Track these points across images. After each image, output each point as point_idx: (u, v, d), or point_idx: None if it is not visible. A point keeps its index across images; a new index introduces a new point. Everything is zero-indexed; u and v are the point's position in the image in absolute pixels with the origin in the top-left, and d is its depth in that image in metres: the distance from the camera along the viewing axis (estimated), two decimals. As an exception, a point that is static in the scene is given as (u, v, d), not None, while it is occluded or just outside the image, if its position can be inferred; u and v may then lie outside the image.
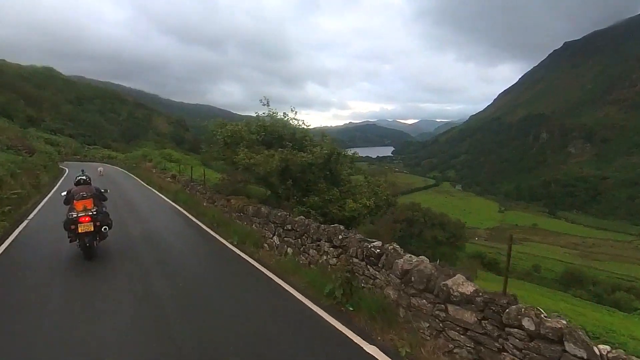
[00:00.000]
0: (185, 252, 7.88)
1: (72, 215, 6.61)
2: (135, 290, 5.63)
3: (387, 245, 5.20)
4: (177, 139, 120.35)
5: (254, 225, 8.69)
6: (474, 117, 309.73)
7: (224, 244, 8.54)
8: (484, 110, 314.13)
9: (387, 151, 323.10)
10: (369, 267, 5.23)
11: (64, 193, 7.31)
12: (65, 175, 25.54)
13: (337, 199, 9.58)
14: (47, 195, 15.43)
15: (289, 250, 7.26)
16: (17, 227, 9.42)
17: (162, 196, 15.57)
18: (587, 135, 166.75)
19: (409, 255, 4.91)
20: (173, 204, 13.70)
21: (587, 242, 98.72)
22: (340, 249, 5.83)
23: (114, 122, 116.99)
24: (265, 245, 8.08)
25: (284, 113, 11.57)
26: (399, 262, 4.70)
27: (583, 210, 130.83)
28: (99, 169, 24.72)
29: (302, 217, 7.26)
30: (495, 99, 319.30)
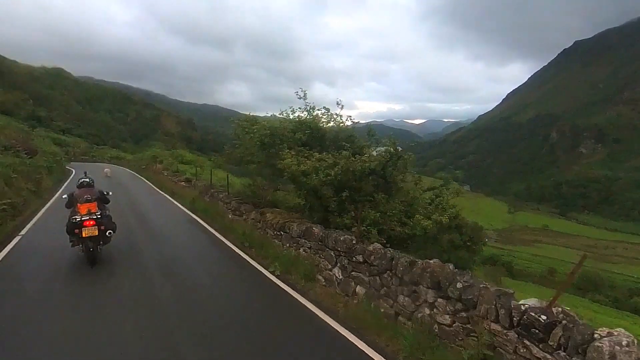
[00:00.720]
0: (213, 286, 6.01)
1: (75, 218, 6.37)
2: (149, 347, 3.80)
3: (556, 309, 3.25)
4: (185, 139, 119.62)
5: (301, 250, 6.77)
6: (483, 117, 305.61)
7: (263, 274, 6.65)
8: (493, 110, 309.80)
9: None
10: (526, 341, 3.28)
11: (65, 196, 7.10)
12: (71, 177, 23.96)
13: (397, 213, 7.62)
14: (48, 202, 13.70)
15: (360, 290, 5.35)
16: (4, 247, 7.61)
17: (177, 203, 13.76)
18: (599, 135, 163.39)
19: (608, 330, 2.96)
20: (190, 213, 11.86)
21: (600, 244, 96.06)
22: (460, 303, 3.90)
23: (122, 122, 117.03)
24: (320, 278, 6.17)
25: (324, 108, 9.63)
26: (601, 345, 2.75)
27: (595, 212, 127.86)
28: (105, 170, 23.17)
29: (377, 245, 5.33)
30: (504, 99, 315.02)
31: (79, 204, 6.57)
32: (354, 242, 5.64)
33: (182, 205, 13.25)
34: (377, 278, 5.06)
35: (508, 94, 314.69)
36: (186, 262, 7.14)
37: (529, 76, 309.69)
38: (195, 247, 8.40)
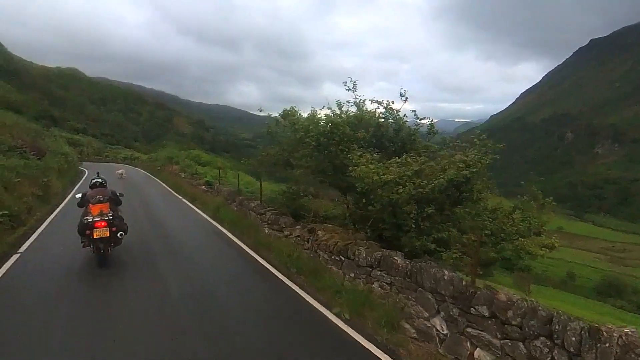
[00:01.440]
0: (262, 336, 4.39)
1: (87, 219, 6.35)
2: None
3: None
4: (197, 139, 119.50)
5: (375, 285, 5.12)
6: (495, 117, 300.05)
7: (324, 316, 5.00)
8: (505, 109, 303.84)
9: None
10: None
11: (79, 195, 7.07)
12: (83, 178, 22.78)
13: (490, 234, 5.90)
14: (56, 208, 12.35)
15: (482, 355, 3.67)
16: (-4, 271, 6.14)
17: (199, 211, 12.23)
18: (616, 135, 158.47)
19: None
20: (216, 224, 10.29)
21: (618, 246, 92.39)
22: None
23: (135, 123, 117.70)
24: (407, 326, 4.51)
25: (376, 101, 7.94)
26: None
27: (611, 214, 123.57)
28: (119, 171, 21.96)
29: (514, 295, 3.65)
30: (517, 98, 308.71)
31: (91, 205, 6.51)
32: (465, 284, 3.96)
33: (205, 213, 11.71)
34: (521, 345, 3.38)
35: (521, 93, 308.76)
36: (218, 293, 5.57)
37: (543, 75, 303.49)
38: (227, 269, 6.81)
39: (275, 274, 6.54)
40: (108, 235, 6.30)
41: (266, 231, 8.27)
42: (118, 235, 6.52)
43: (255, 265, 7.01)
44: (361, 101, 8.07)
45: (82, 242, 6.53)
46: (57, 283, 5.78)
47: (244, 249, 7.98)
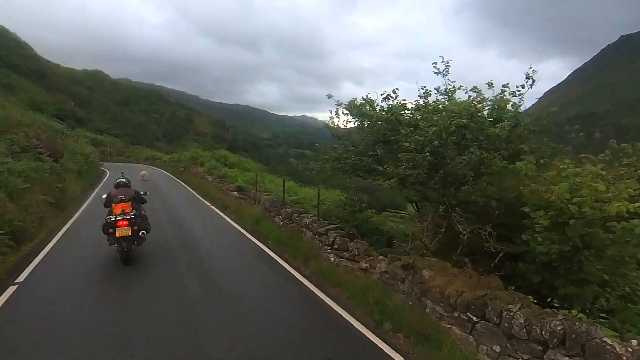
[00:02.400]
0: None
1: (110, 218, 6.45)
2: None
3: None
4: (217, 138, 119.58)
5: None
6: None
7: None
8: (529, 109, 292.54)
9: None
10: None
11: (104, 196, 7.11)
12: (104, 179, 21.56)
13: None
14: (72, 216, 10.82)
15: None
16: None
17: (232, 222, 10.40)
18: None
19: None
20: (257, 242, 8.35)
21: None
22: None
23: (157, 123, 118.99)
24: None
25: (475, 88, 5.90)
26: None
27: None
28: (141, 172, 20.66)
29: None
30: (540, 97, 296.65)
31: (113, 204, 6.63)
32: None
33: (240, 226, 9.86)
34: None
35: (545, 92, 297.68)
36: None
37: (569, 73, 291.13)
38: (286, 317, 4.84)
39: (359, 329, 4.54)
40: (130, 233, 6.38)
41: (331, 259, 6.29)
42: (140, 234, 6.58)
43: (327, 313, 5.03)
44: (452, 89, 6.06)
45: (108, 241, 6.61)
46: (61, 334, 4.05)
47: (304, 283, 6.00)
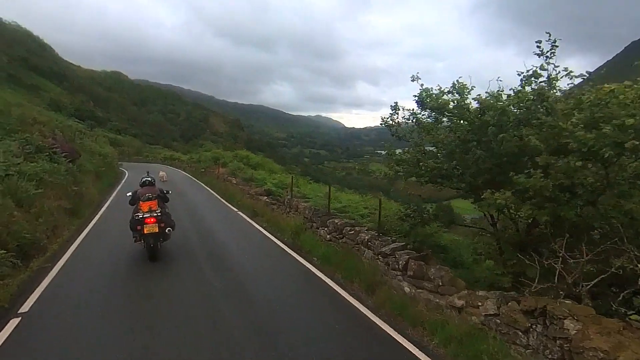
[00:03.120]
0: None
1: (138, 216, 6.62)
2: None
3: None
4: (232, 138, 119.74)
5: None
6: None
7: None
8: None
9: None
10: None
11: (129, 194, 7.33)
12: (123, 181, 20.77)
13: None
14: (90, 222, 9.83)
15: None
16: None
17: (265, 232, 9.16)
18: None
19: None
20: (300, 259, 7.08)
21: None
22: None
23: (173, 123, 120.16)
24: None
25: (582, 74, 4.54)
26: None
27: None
28: (160, 173, 19.81)
29: None
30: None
31: (141, 202, 6.79)
32: None
33: (275, 237, 8.64)
34: None
35: (564, 91, 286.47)
36: None
37: (590, 72, 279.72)
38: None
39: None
40: (157, 230, 6.52)
41: (405, 289, 4.97)
42: (166, 231, 6.74)
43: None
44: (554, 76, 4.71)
45: (133, 237, 6.78)
46: None
47: (373, 322, 4.65)
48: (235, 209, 12.28)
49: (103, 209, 12.01)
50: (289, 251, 7.55)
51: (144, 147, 57.16)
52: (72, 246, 7.66)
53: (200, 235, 8.86)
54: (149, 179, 7.33)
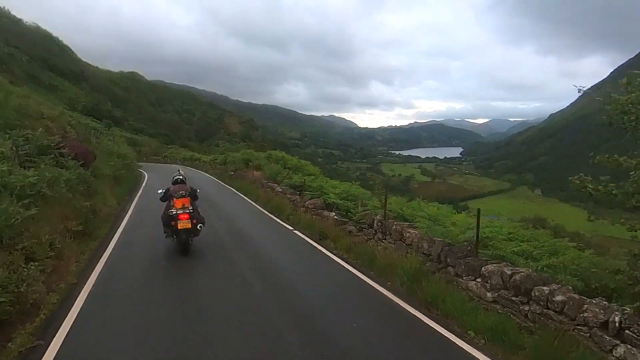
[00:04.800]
0: None
1: (172, 212, 6.78)
2: None
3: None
4: (247, 138, 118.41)
5: None
6: (555, 116, 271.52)
7: None
8: (567, 108, 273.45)
9: (455, 152, 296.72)
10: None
11: (161, 191, 7.50)
12: (143, 184, 18.46)
13: None
14: (106, 249, 7.30)
15: None
16: None
17: (353, 270, 6.36)
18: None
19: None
20: (445, 333, 4.22)
21: None
22: None
23: (189, 123, 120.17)
24: None
25: None
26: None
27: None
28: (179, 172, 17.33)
29: None
30: (579, 96, 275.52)
31: (174, 199, 6.89)
32: None
33: (376, 282, 5.71)
34: None
35: (585, 90, 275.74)
36: None
37: (612, 70, 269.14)
38: None
39: None
40: (190, 226, 6.67)
41: None
42: (198, 227, 6.90)
43: None
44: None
45: (165, 232, 7.03)
46: None
47: None
48: (289, 227, 9.56)
49: (123, 224, 9.56)
50: (413, 312, 4.68)
51: (161, 147, 55.73)
52: (80, 295, 5.12)
53: (256, 270, 6.25)
54: (180, 177, 7.61)
